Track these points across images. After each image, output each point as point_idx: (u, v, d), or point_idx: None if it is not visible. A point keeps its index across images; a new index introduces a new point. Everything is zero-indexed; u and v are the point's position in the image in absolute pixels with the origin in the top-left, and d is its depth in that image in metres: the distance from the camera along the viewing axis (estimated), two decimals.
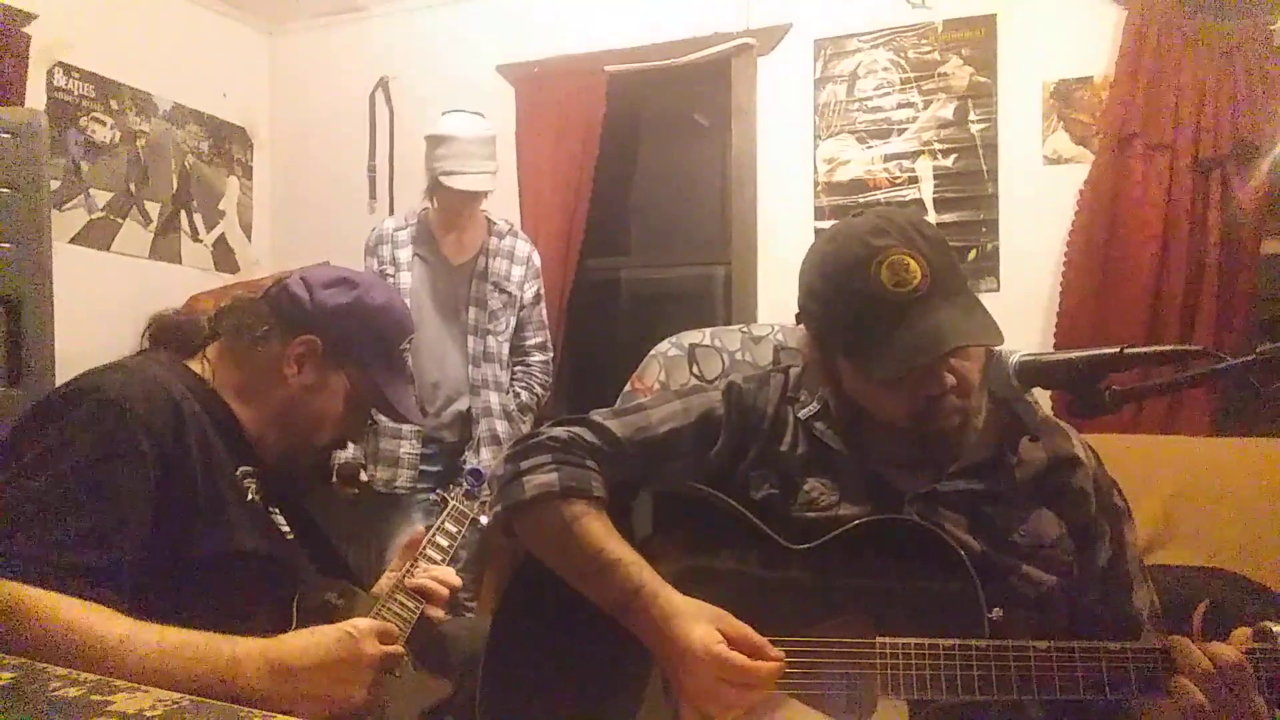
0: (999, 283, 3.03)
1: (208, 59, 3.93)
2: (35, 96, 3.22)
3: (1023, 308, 2.96)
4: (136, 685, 0.77)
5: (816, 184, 3.27)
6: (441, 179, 2.81)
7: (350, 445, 2.73)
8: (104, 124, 3.51)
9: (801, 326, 1.29)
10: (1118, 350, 1.14)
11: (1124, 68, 2.84)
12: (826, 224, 3.19)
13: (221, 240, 4.00)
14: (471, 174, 2.81)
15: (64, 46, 3.34)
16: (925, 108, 3.14)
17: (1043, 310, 2.96)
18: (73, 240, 3.37)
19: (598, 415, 1.30)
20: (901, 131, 3.16)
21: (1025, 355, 1.20)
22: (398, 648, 1.21)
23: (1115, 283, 2.82)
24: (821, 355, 1.25)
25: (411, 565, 1.41)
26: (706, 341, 1.80)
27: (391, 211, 3.70)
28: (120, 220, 3.57)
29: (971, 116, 3.08)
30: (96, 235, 3.48)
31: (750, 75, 3.37)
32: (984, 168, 3.06)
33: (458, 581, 1.44)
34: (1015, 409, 1.26)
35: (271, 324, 1.35)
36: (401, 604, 1.35)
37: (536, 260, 3.03)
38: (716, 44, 3.38)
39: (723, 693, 1.06)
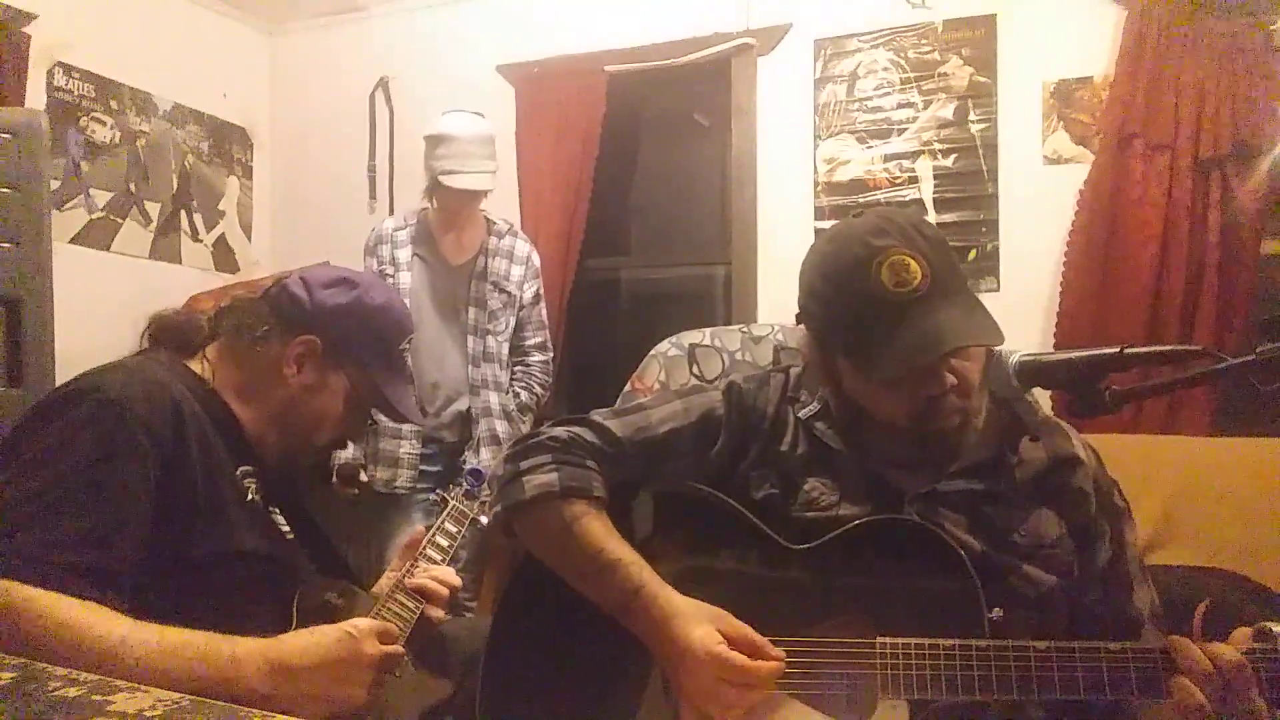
0: (999, 283, 3.03)
1: (208, 59, 3.93)
2: (35, 96, 3.22)
3: (1023, 308, 2.96)
4: (136, 685, 0.77)
5: (816, 184, 3.27)
6: (441, 178, 2.80)
7: (350, 445, 2.73)
8: (104, 124, 3.51)
9: (801, 326, 1.29)
10: (1118, 350, 1.14)
11: (1124, 68, 2.84)
12: (826, 224, 3.19)
13: (221, 240, 4.00)
14: (471, 173, 2.81)
15: (64, 46, 3.34)
16: (925, 108, 3.14)
17: (1043, 310, 2.96)
18: (73, 240, 3.37)
19: (598, 415, 1.30)
20: (901, 131, 3.16)
21: (1025, 355, 1.20)
22: (398, 648, 1.21)
23: (1115, 283, 2.82)
24: (821, 355, 1.25)
25: (411, 565, 1.41)
26: (706, 341, 1.80)
27: (391, 211, 3.70)
28: (120, 220, 3.57)
29: (971, 116, 3.08)
30: (96, 235, 3.48)
31: (750, 75, 3.37)
32: (984, 168, 3.06)
33: (458, 581, 1.44)
34: (1015, 409, 1.26)
35: (271, 324, 1.35)
36: (401, 604, 1.35)
37: (536, 260, 3.03)
38: (716, 44, 3.38)
39: (723, 693, 1.06)
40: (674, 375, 1.78)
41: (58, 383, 1.47)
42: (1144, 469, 2.37)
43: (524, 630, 1.26)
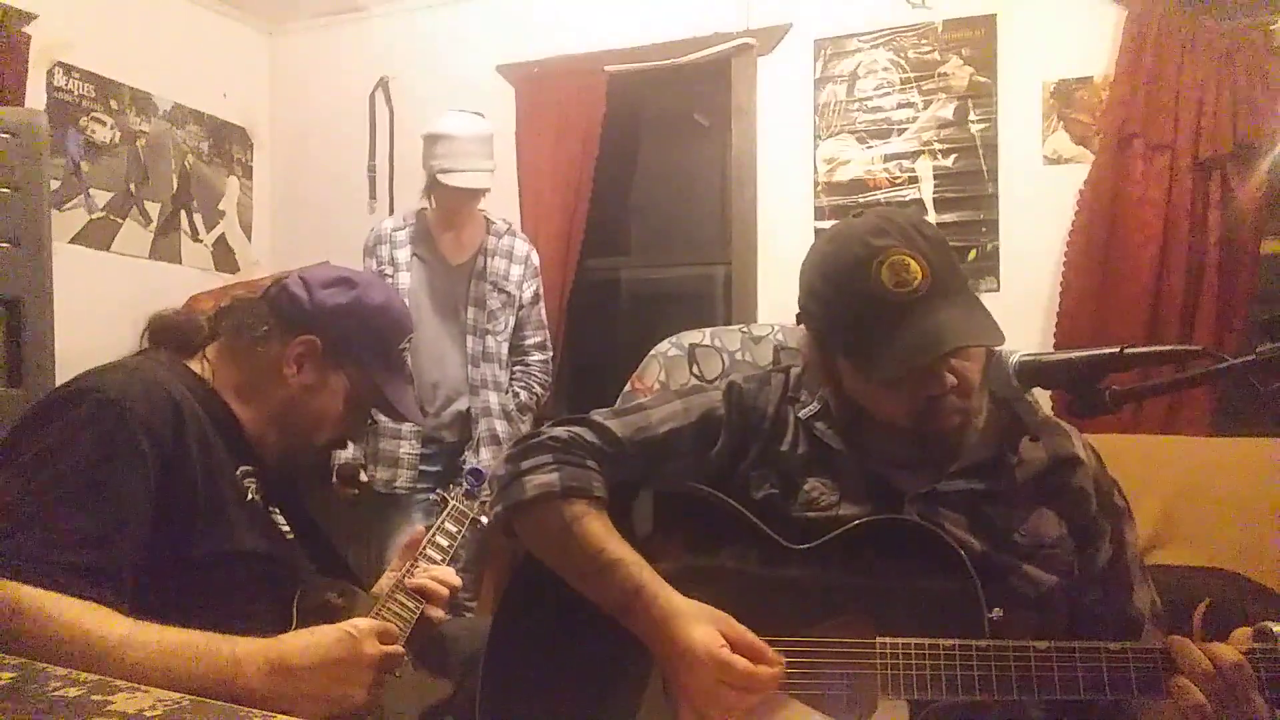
0: (999, 283, 3.03)
1: (208, 59, 3.93)
2: (35, 96, 3.22)
3: (1023, 308, 2.96)
4: (136, 685, 0.77)
5: (816, 184, 3.27)
6: (439, 177, 2.80)
7: (350, 445, 2.73)
8: (104, 124, 3.51)
9: (801, 326, 1.29)
10: (1118, 350, 1.14)
11: (1124, 68, 2.84)
12: (826, 224, 3.20)
13: (221, 240, 4.00)
14: (469, 171, 2.80)
15: (64, 46, 3.34)
16: (925, 108, 3.14)
17: (1043, 310, 2.96)
18: (73, 240, 3.37)
19: (598, 415, 1.30)
20: (901, 131, 3.16)
21: (1025, 355, 1.20)
22: (398, 648, 1.21)
23: (1115, 283, 2.82)
24: (822, 355, 1.25)
25: (411, 565, 1.41)
26: (706, 341, 1.80)
27: (391, 211, 3.70)
28: (120, 220, 3.57)
29: (971, 116, 3.08)
30: (96, 235, 3.48)
31: (750, 75, 3.37)
32: (984, 168, 3.06)
33: (458, 581, 1.44)
34: (1016, 409, 1.26)
35: (271, 324, 1.35)
36: (401, 604, 1.35)
37: (535, 259, 3.03)
38: (716, 44, 3.38)
39: (722, 695, 1.06)
40: (674, 375, 1.78)
41: (58, 383, 1.46)
42: (1144, 469, 2.37)
43: (524, 630, 1.26)
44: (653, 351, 1.83)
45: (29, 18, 3.16)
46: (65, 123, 3.36)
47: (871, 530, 1.15)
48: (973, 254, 3.05)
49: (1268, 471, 2.32)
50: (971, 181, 3.07)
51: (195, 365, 1.34)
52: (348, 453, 2.78)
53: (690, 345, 1.80)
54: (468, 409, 2.88)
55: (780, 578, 1.16)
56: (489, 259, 2.91)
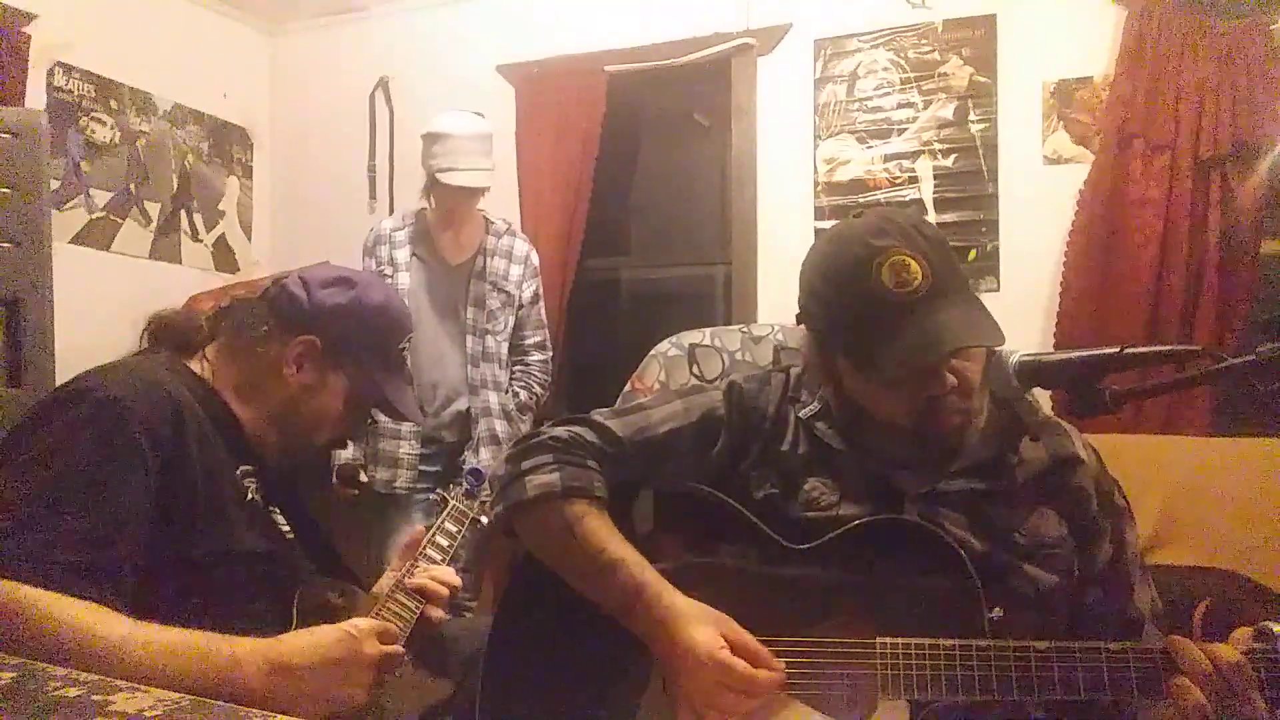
0: (999, 283, 3.03)
1: (208, 59, 3.94)
2: (35, 96, 3.22)
3: (1023, 308, 2.96)
4: (136, 685, 0.77)
5: (816, 184, 3.27)
6: (438, 175, 2.80)
7: (350, 445, 2.73)
8: (104, 124, 3.51)
9: (801, 326, 1.29)
10: (1118, 350, 1.14)
11: (1124, 68, 2.84)
12: (826, 224, 3.20)
13: (221, 240, 4.00)
14: (468, 170, 2.80)
15: (64, 46, 3.34)
16: (925, 108, 3.14)
17: (1043, 310, 2.96)
18: (73, 240, 3.37)
19: (598, 415, 1.30)
20: (901, 131, 3.16)
21: (1025, 355, 1.20)
22: (398, 648, 1.21)
23: (1115, 283, 2.82)
24: (822, 355, 1.25)
25: (411, 565, 1.41)
26: (706, 341, 1.80)
27: (391, 211, 3.70)
28: (120, 220, 3.57)
29: (971, 116, 3.08)
30: (96, 235, 3.48)
31: (750, 75, 3.37)
32: (984, 168, 3.06)
33: (458, 581, 1.44)
34: (1016, 409, 1.26)
35: (270, 324, 1.35)
36: (401, 604, 1.35)
37: (535, 259, 3.03)
38: (716, 44, 3.38)
39: (721, 697, 1.06)
40: (674, 375, 1.78)
41: (58, 383, 1.47)
42: (1144, 469, 2.36)
43: (524, 630, 1.26)
44: (653, 351, 1.83)
45: (29, 18, 3.16)
46: (65, 123, 3.36)
47: (872, 530, 1.15)
48: (973, 254, 3.05)
49: (1268, 471, 2.32)
50: (971, 181, 3.07)
51: (195, 365, 1.34)
52: (348, 453, 2.77)
53: (690, 345, 1.80)
54: (467, 409, 2.88)
55: (780, 578, 1.16)
56: (488, 259, 2.91)
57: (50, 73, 3.31)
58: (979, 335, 1.13)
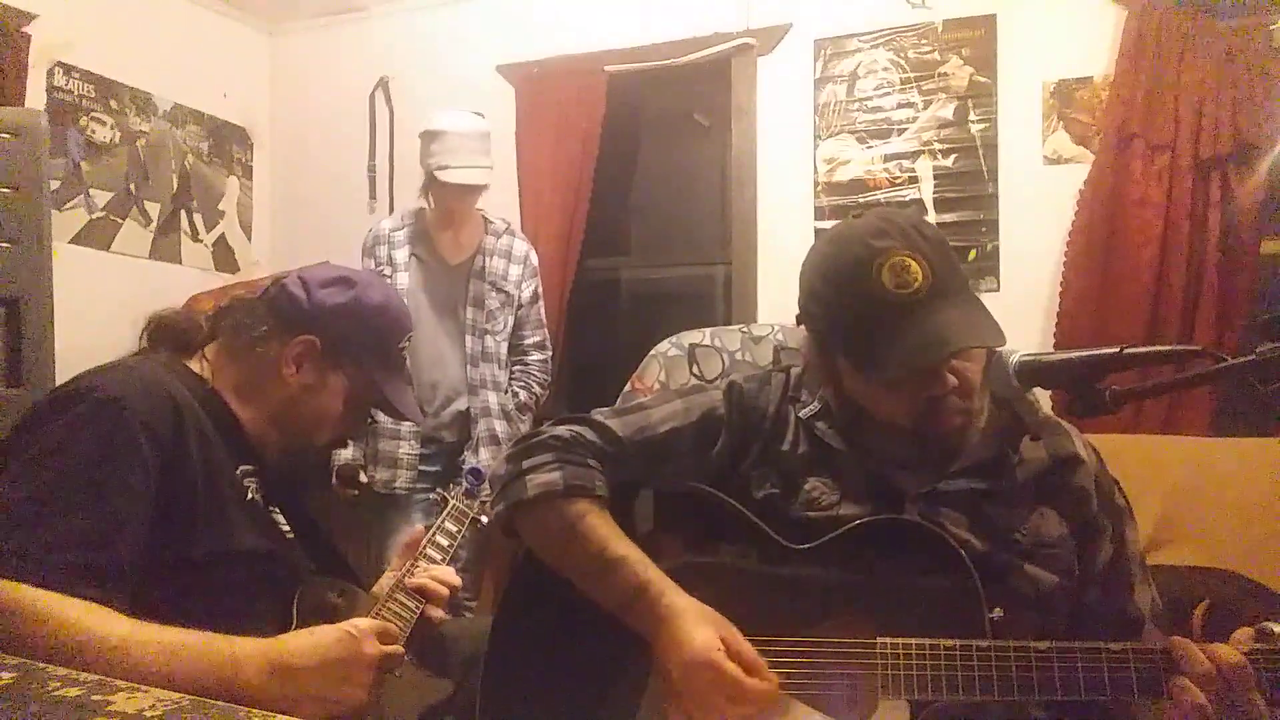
0: (999, 283, 3.03)
1: (208, 59, 3.94)
2: (35, 96, 3.22)
3: (1023, 308, 2.96)
4: (136, 685, 0.77)
5: (816, 184, 3.27)
6: (436, 173, 2.80)
7: (350, 446, 2.73)
8: (104, 124, 3.51)
9: (802, 327, 1.29)
10: (1118, 350, 1.14)
11: (1124, 68, 2.84)
12: (826, 224, 3.20)
13: (221, 240, 4.00)
14: (465, 168, 2.79)
15: (64, 46, 3.34)
16: (925, 108, 3.14)
17: (1043, 310, 2.96)
18: (73, 240, 3.37)
19: (599, 414, 1.30)
20: (901, 131, 3.16)
21: (1025, 355, 1.20)
22: (398, 648, 1.21)
23: (1115, 283, 2.82)
24: (822, 356, 1.25)
25: (411, 565, 1.41)
26: (706, 341, 1.80)
27: (391, 211, 3.70)
28: (120, 220, 3.57)
29: (971, 116, 3.08)
30: (96, 235, 3.48)
31: (750, 75, 3.37)
32: (984, 168, 3.06)
33: (458, 581, 1.44)
34: (1016, 408, 1.26)
35: (270, 324, 1.35)
36: (401, 604, 1.35)
37: (534, 259, 3.02)
38: (716, 44, 3.38)
39: (711, 700, 1.05)
40: (674, 375, 1.78)
41: (58, 383, 1.47)
42: (1144, 469, 2.36)
43: (524, 630, 1.26)
44: (653, 351, 1.83)
45: (29, 18, 3.16)
46: (65, 123, 3.36)
47: (872, 530, 1.14)
48: (973, 254, 3.05)
49: (1268, 471, 2.32)
50: (971, 181, 3.07)
51: (195, 365, 1.34)
52: (347, 453, 2.77)
53: (690, 345, 1.80)
54: (467, 409, 2.88)
55: (781, 577, 1.16)
56: (487, 258, 2.91)
57: (50, 73, 3.31)
58: (979, 336, 1.13)
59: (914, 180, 3.14)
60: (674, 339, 1.83)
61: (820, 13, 3.27)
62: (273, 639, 1.11)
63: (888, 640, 1.07)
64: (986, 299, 1.26)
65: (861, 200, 3.19)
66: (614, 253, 3.81)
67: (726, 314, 3.51)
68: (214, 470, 1.21)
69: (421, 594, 1.37)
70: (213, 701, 0.75)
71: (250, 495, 1.27)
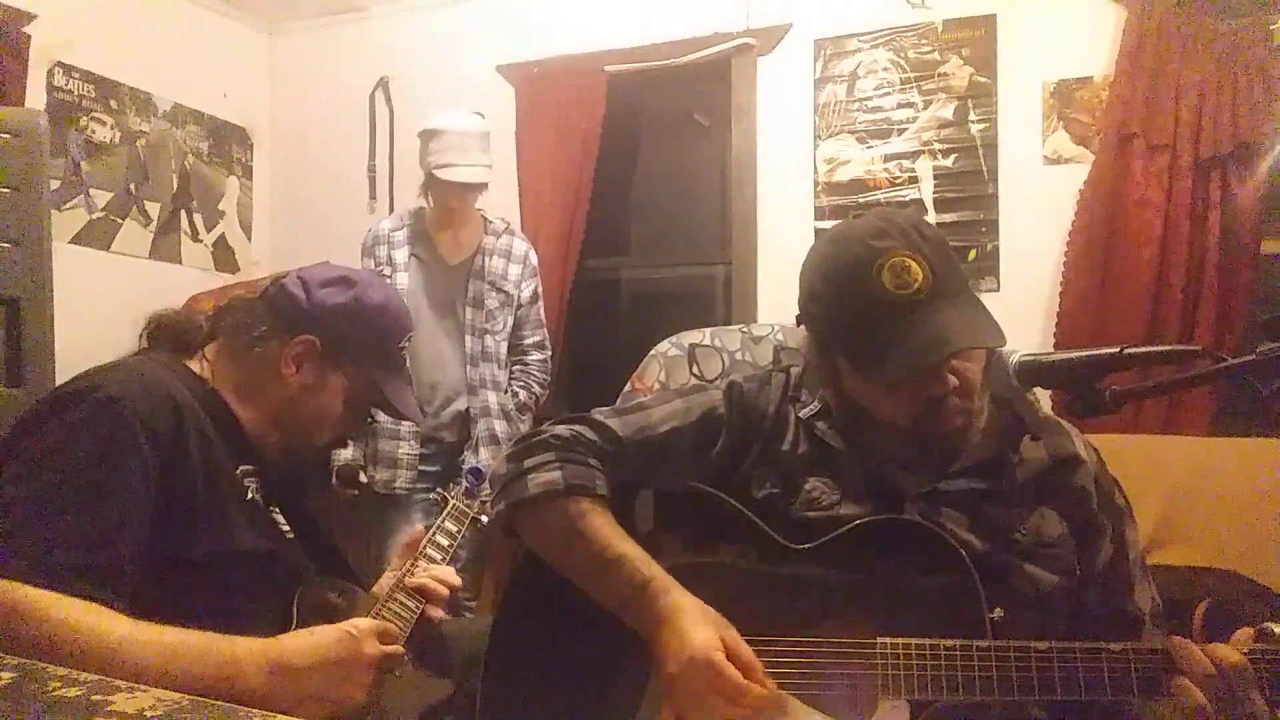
0: (999, 283, 3.03)
1: (208, 59, 3.94)
2: (35, 96, 3.22)
3: (1023, 308, 2.96)
4: (136, 685, 0.77)
5: (816, 184, 3.27)
6: (435, 172, 2.80)
7: (350, 446, 2.73)
8: (104, 124, 3.51)
9: (802, 327, 1.29)
10: (1118, 350, 1.14)
11: (1124, 68, 2.84)
12: (826, 224, 3.20)
13: (221, 240, 4.00)
14: (464, 166, 2.79)
15: (64, 46, 3.34)
16: (925, 108, 3.14)
17: (1043, 310, 2.96)
18: (73, 240, 3.37)
19: (599, 414, 1.30)
20: (901, 131, 3.16)
21: (1025, 355, 1.20)
22: (398, 648, 1.21)
23: (1115, 283, 2.82)
24: (822, 356, 1.25)
25: (411, 565, 1.41)
26: (706, 341, 1.80)
27: (391, 211, 3.69)
28: (120, 220, 3.57)
29: (971, 116, 3.08)
30: (96, 235, 3.48)
31: (750, 75, 3.37)
32: (984, 168, 3.06)
33: (458, 581, 1.44)
34: (1016, 408, 1.26)
35: (269, 324, 1.35)
36: (401, 604, 1.35)
37: (533, 259, 3.02)
38: (716, 44, 3.38)
39: (707, 700, 1.05)
40: (674, 375, 1.78)
41: (58, 383, 1.46)
42: (1144, 469, 2.36)
43: (525, 630, 1.25)
44: (653, 351, 1.83)
45: (29, 18, 3.16)
46: (65, 123, 3.36)
47: (872, 530, 1.14)
48: (973, 254, 3.05)
49: (1268, 471, 2.32)
50: (971, 181, 3.07)
51: (195, 365, 1.34)
52: (348, 453, 2.77)
53: (690, 345, 1.80)
54: (466, 409, 2.88)
55: (781, 577, 1.16)
56: (487, 258, 2.91)
57: (50, 73, 3.31)
58: (980, 336, 1.13)
59: (914, 180, 3.14)
60: (674, 339, 1.83)
61: (820, 13, 3.27)
62: (273, 639, 1.11)
63: (888, 640, 1.07)
64: (986, 299, 1.26)
65: (861, 200, 3.19)
66: (614, 253, 3.81)
67: (726, 314, 3.51)
68: (214, 470, 1.21)
69: (421, 594, 1.37)
70: (213, 701, 0.75)
71: (250, 495, 1.27)
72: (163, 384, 1.21)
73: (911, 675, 1.05)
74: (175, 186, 3.79)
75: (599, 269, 3.75)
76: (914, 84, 3.15)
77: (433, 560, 1.44)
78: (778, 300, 3.25)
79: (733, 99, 3.40)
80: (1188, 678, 1.00)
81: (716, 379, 1.69)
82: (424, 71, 3.83)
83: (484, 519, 1.50)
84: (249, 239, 4.11)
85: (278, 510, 1.33)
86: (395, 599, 1.35)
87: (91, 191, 3.46)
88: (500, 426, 2.88)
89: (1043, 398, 2.39)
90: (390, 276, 2.85)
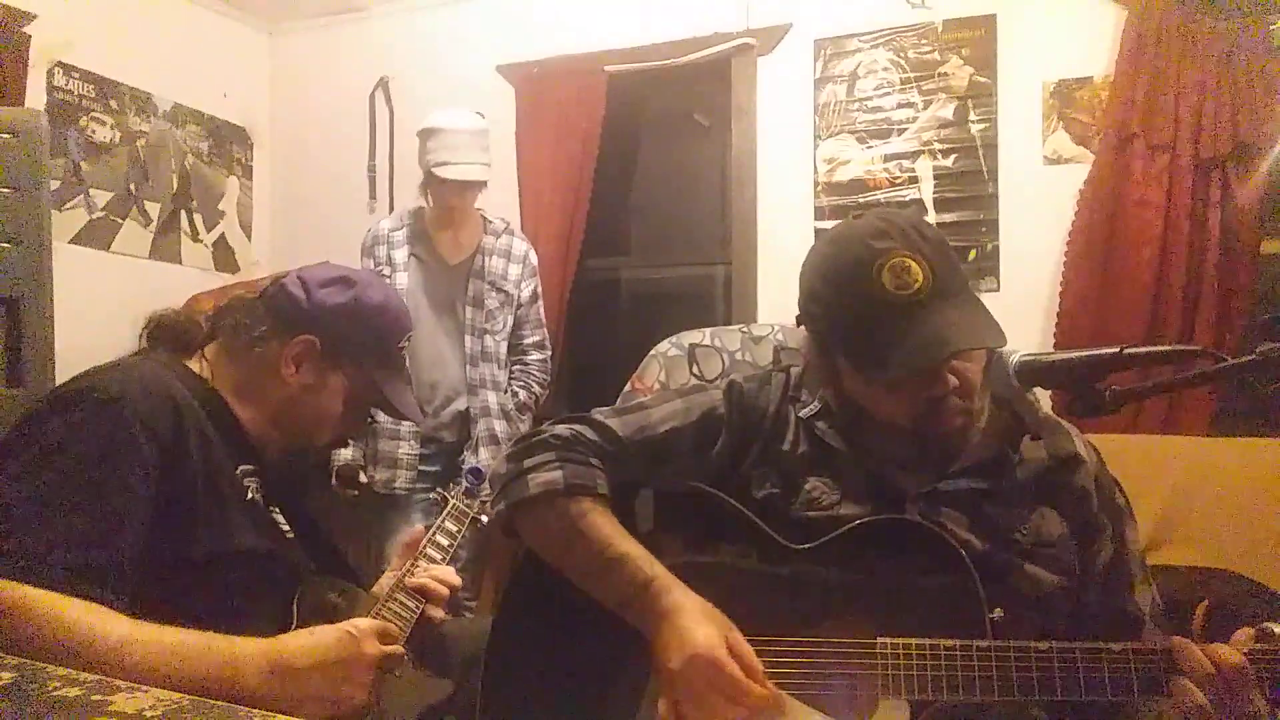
0: (999, 283, 3.03)
1: (208, 59, 3.93)
2: (35, 96, 3.22)
3: (1023, 308, 2.96)
4: (136, 685, 0.77)
5: (816, 184, 3.27)
6: (434, 170, 2.79)
7: (350, 446, 2.73)
8: (104, 124, 3.51)
9: (802, 327, 1.29)
10: (1118, 350, 1.14)
11: (1124, 68, 2.84)
12: (826, 224, 3.20)
13: (221, 240, 4.00)
14: (463, 164, 2.79)
15: (64, 46, 3.34)
16: (925, 108, 3.14)
17: (1043, 310, 2.96)
18: (73, 240, 3.37)
19: (599, 414, 1.30)
20: (901, 131, 3.16)
21: (1025, 355, 1.20)
22: (398, 648, 1.21)
23: (1115, 283, 2.82)
24: (822, 356, 1.25)
25: (411, 564, 1.41)
26: (706, 341, 1.80)
27: (391, 211, 3.69)
28: (120, 220, 3.57)
29: (971, 116, 3.08)
30: (96, 235, 3.48)
31: (750, 75, 3.37)
32: (984, 168, 3.06)
33: (458, 581, 1.44)
34: (1016, 408, 1.26)
35: (269, 324, 1.35)
36: (401, 603, 1.35)
37: (533, 258, 3.02)
38: (716, 44, 3.38)
39: (708, 699, 1.05)
40: (674, 375, 1.78)
41: (58, 383, 1.46)
42: (1144, 469, 2.36)
43: (525, 630, 1.25)
44: (653, 351, 1.83)
45: (29, 18, 3.16)
46: (65, 123, 3.36)
47: (872, 530, 1.14)
48: (973, 254, 3.05)
49: (1268, 471, 2.32)
50: (971, 181, 3.07)
51: (194, 365, 1.34)
52: (347, 453, 2.77)
53: (690, 345, 1.80)
54: (466, 409, 2.88)
55: (781, 577, 1.16)
56: (487, 258, 2.90)
57: (50, 73, 3.31)
58: (980, 337, 1.13)
59: (914, 180, 3.14)
60: (674, 339, 1.83)
61: (820, 13, 3.27)
62: (273, 639, 1.11)
63: (888, 640, 1.07)
64: (986, 299, 1.26)
65: (861, 200, 3.19)
66: (614, 253, 3.81)
67: (726, 314, 3.51)
68: (214, 470, 1.21)
69: (421, 594, 1.37)
70: (213, 701, 0.75)
71: (250, 495, 1.27)
72: (163, 384, 1.21)
73: (911, 675, 1.05)
74: (175, 186, 3.79)
75: (599, 269, 3.75)
76: (914, 84, 3.15)
77: (433, 560, 1.44)
78: (778, 300, 3.24)
79: (733, 99, 3.40)
80: (1188, 678, 1.00)
81: (716, 379, 1.69)
82: (424, 71, 3.83)
83: (484, 519, 1.50)
84: (249, 239, 4.11)
85: (278, 510, 1.33)
86: (395, 599, 1.35)
87: (91, 191, 3.46)
88: (500, 426, 2.88)
89: (1043, 398, 2.39)
90: (390, 276, 2.85)
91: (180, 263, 3.80)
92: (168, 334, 1.37)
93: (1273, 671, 0.99)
